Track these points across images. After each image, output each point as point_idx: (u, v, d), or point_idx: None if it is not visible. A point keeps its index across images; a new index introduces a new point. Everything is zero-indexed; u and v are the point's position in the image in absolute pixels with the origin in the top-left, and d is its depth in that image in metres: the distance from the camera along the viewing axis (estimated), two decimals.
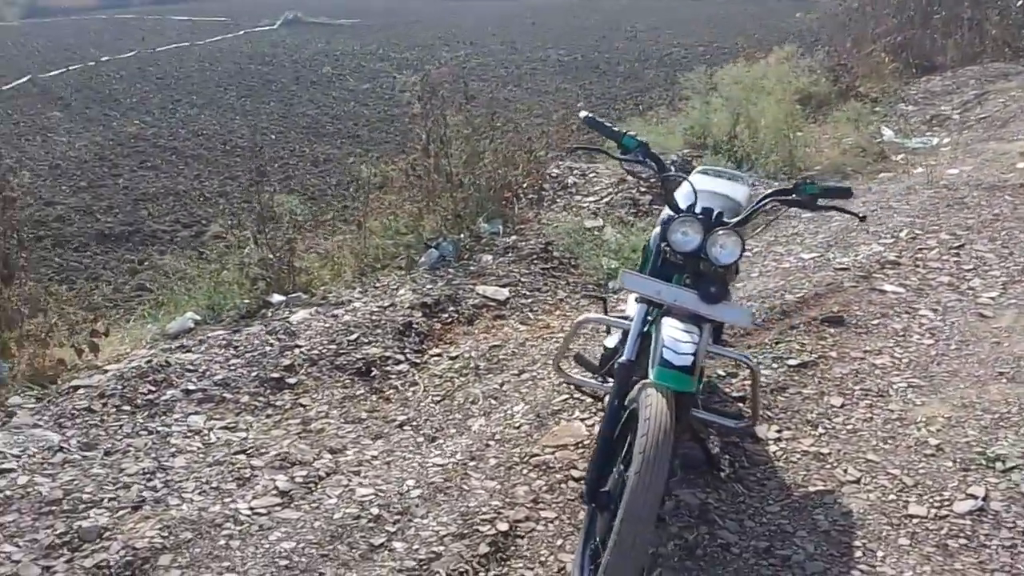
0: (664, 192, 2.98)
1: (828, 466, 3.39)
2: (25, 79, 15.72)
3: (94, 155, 11.44)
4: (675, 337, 2.61)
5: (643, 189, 6.88)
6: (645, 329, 2.84)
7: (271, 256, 5.76)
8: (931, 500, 3.15)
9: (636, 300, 2.89)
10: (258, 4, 24.79)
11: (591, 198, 6.92)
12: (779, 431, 3.63)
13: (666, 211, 3.13)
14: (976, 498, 3.12)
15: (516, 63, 15.34)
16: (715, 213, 2.86)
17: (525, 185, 7.19)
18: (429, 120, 6.55)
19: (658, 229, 3.19)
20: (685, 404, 2.70)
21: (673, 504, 3.17)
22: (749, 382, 3.59)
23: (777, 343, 4.38)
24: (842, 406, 3.80)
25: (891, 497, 3.19)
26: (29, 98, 14.52)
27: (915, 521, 3.05)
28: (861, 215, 3.19)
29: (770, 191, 2.95)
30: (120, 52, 17.77)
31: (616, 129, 3.06)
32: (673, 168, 3.77)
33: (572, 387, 3.91)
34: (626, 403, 2.68)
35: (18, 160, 11.33)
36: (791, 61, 9.04)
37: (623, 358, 2.76)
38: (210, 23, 21.71)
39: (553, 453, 3.54)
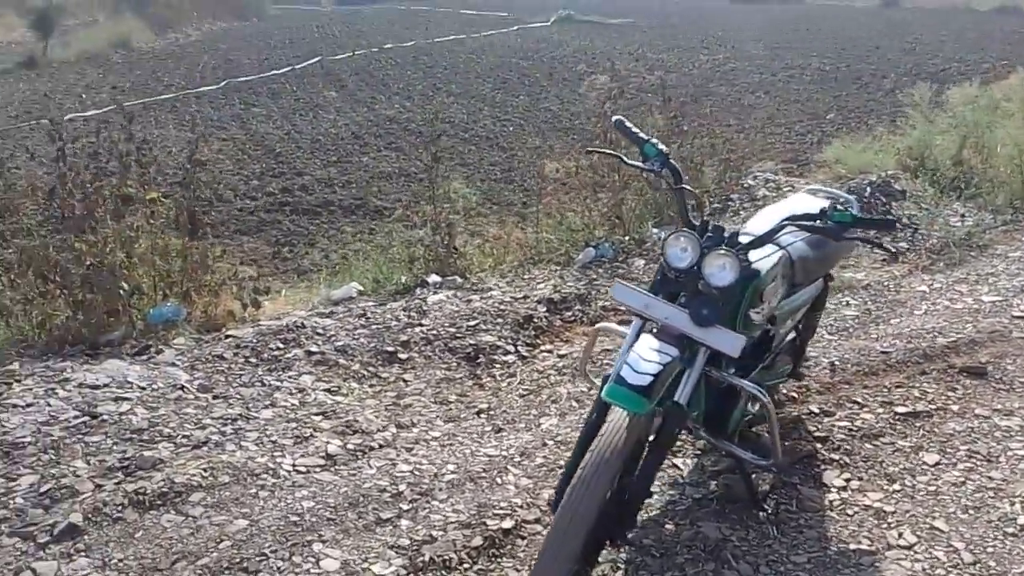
0: (678, 204, 2.81)
1: (885, 526, 3.06)
2: (315, 60, 17.38)
3: (351, 133, 12.48)
4: (641, 355, 2.47)
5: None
6: None
7: (436, 238, 6.05)
8: None
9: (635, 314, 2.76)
10: (541, 0, 25.63)
11: None
12: (848, 479, 3.32)
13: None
14: None
15: (772, 70, 14.77)
16: (728, 233, 2.65)
17: (711, 192, 6.99)
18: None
19: None
20: (669, 427, 2.56)
21: (692, 533, 3.02)
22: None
23: (898, 387, 3.99)
24: (935, 464, 3.39)
25: (938, 572, 2.83)
26: (314, 77, 16.06)
27: None
28: (894, 251, 2.83)
29: (792, 214, 2.70)
30: (402, 41, 19.11)
31: (642, 136, 2.94)
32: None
33: None
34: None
35: (288, 133, 12.63)
36: None
37: (611, 372, 2.65)
38: (491, 18, 22.74)
39: None
